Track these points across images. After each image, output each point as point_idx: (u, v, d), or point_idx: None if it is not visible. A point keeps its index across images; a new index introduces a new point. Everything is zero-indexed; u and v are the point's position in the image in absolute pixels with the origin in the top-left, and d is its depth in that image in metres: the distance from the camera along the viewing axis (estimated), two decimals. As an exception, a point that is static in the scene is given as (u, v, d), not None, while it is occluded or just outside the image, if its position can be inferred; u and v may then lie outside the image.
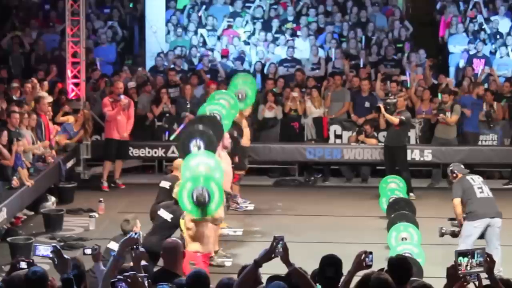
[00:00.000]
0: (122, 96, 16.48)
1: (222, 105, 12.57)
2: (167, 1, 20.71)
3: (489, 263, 6.20)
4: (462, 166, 11.98)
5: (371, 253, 6.28)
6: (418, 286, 6.31)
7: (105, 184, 16.61)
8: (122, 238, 7.31)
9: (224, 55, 19.53)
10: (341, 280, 6.44)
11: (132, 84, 18.17)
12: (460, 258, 6.04)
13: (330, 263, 6.43)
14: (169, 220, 11.33)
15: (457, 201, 11.50)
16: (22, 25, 20.32)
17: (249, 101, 14.58)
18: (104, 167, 16.70)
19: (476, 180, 11.64)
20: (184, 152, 11.09)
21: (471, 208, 11.37)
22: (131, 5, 21.54)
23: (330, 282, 6.41)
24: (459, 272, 6.03)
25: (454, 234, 11.72)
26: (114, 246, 9.13)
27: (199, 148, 10.91)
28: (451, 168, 11.85)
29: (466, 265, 6.04)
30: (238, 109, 13.69)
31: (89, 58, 18.48)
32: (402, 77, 18.69)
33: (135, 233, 6.59)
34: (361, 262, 6.26)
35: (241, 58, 19.35)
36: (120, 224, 10.41)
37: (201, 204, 10.05)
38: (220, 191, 10.16)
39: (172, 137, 17.71)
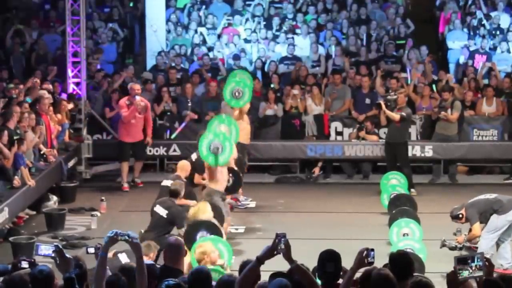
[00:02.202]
0: (138, 98, 16.39)
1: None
2: (167, 0, 20.72)
3: (488, 267, 6.22)
4: (458, 206, 11.87)
5: (372, 250, 6.26)
6: (414, 283, 6.28)
7: (126, 185, 16.61)
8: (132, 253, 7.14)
9: (223, 62, 19.52)
10: (343, 277, 6.45)
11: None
12: (460, 263, 6.05)
13: (329, 259, 6.44)
14: (165, 216, 11.42)
15: (477, 225, 11.40)
16: (22, 25, 20.33)
17: (247, 98, 14.59)
18: (122, 169, 16.69)
19: (478, 196, 11.65)
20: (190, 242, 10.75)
21: (499, 205, 11.34)
22: (131, 4, 21.54)
23: (330, 277, 6.43)
24: (459, 277, 6.03)
25: (454, 248, 11.71)
26: (124, 258, 9.15)
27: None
28: (453, 214, 11.69)
29: (466, 270, 6.04)
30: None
31: (88, 58, 18.49)
32: (403, 74, 18.68)
33: (112, 232, 6.54)
34: (363, 259, 6.25)
35: (239, 57, 19.34)
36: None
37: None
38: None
39: (173, 136, 17.75)
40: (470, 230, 11.64)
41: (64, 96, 17.33)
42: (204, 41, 20.19)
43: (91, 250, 7.09)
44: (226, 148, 12.09)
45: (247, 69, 18.72)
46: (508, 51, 19.44)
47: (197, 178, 13.28)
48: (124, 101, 16.54)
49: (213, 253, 9.90)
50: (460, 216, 11.57)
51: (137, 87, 16.62)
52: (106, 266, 6.46)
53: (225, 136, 12.31)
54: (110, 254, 7.89)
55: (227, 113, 13.91)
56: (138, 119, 16.52)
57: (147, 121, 16.71)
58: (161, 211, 11.49)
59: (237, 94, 14.22)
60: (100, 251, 6.54)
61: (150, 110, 16.86)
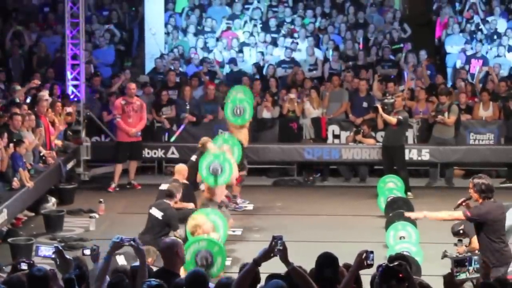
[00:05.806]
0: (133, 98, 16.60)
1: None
2: (166, 4, 20.78)
3: (485, 269, 6.26)
4: (458, 222, 11.80)
5: (372, 252, 6.25)
6: None
7: (113, 185, 16.66)
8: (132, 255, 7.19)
9: (218, 65, 19.60)
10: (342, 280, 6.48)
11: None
12: (457, 265, 6.07)
13: (327, 264, 6.42)
14: (160, 218, 11.48)
15: (476, 237, 11.34)
16: (22, 27, 20.37)
17: (248, 116, 14.75)
18: (115, 170, 16.77)
19: None
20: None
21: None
22: (132, 8, 21.58)
23: (329, 283, 6.43)
24: (457, 279, 6.06)
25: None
26: (121, 260, 9.20)
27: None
28: (454, 230, 11.59)
29: (464, 272, 6.08)
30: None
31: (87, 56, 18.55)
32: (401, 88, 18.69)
33: (117, 237, 6.61)
34: (362, 261, 6.24)
35: (236, 61, 19.40)
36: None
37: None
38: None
39: (172, 139, 17.78)
40: (470, 242, 11.60)
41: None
42: (203, 44, 20.23)
43: (87, 251, 7.15)
44: (226, 169, 12.28)
45: (245, 72, 18.88)
46: (505, 55, 19.51)
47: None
48: (119, 101, 16.61)
49: (205, 224, 10.66)
50: (461, 231, 11.53)
51: (133, 86, 16.75)
52: (108, 271, 6.50)
53: (225, 157, 12.47)
54: None
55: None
56: (135, 118, 16.56)
57: (141, 119, 16.74)
58: (157, 213, 11.56)
59: (238, 112, 14.43)
60: (105, 255, 6.57)
61: (145, 110, 16.88)
